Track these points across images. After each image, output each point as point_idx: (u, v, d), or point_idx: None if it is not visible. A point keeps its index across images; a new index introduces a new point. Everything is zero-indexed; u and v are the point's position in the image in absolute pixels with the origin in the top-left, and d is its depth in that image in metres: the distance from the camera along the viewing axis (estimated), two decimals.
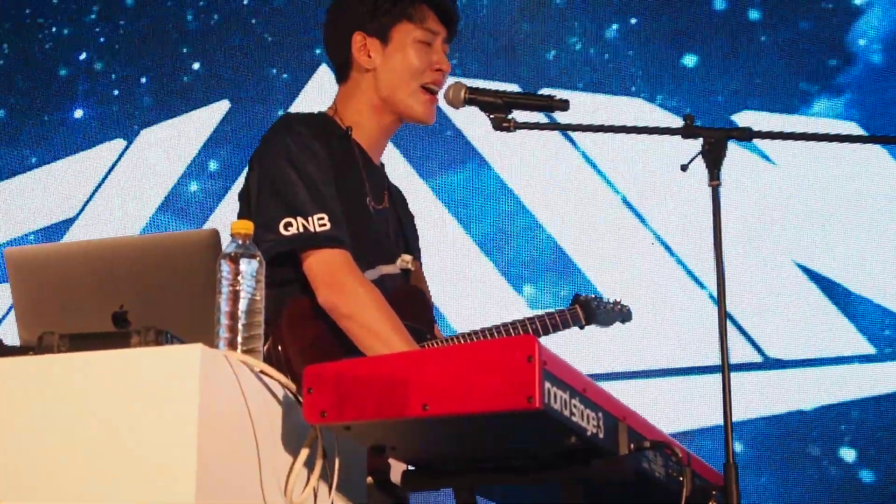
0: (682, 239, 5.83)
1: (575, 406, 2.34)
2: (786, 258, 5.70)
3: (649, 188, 5.89)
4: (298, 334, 3.36)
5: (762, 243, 5.68)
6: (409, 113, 3.63)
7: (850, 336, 5.58)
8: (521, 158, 6.06)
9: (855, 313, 5.60)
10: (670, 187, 5.83)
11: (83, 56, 6.65)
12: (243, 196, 3.55)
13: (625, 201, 5.93)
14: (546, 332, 3.91)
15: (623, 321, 4.41)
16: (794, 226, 5.70)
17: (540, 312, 3.98)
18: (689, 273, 5.80)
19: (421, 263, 3.81)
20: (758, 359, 5.60)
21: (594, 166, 5.99)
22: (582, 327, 4.13)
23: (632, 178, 5.94)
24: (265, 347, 3.23)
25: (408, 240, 3.75)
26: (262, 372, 2.48)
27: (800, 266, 5.69)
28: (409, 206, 3.93)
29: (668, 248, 5.84)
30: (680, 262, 5.82)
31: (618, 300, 4.36)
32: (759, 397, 5.54)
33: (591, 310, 4.15)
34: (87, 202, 6.50)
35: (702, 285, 5.77)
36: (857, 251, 5.64)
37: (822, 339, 5.59)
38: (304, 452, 2.50)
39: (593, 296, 4.22)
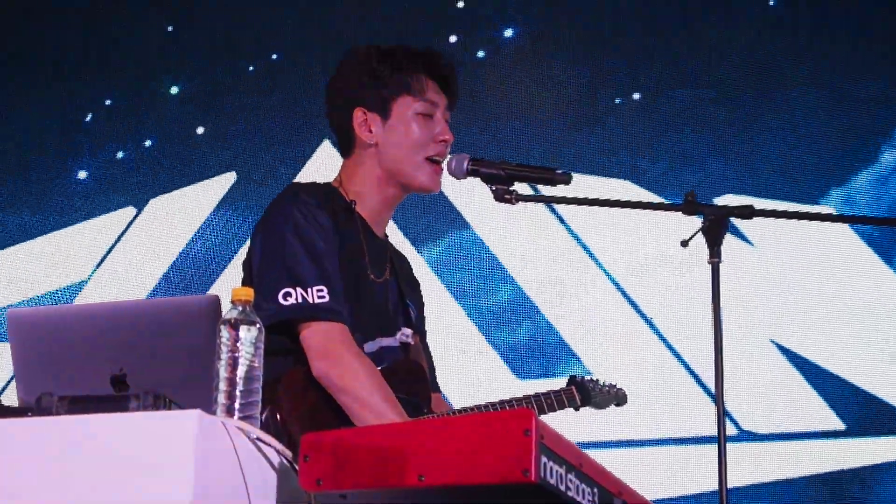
0: (667, 315, 5.90)
1: (571, 480, 2.31)
2: (761, 335, 5.78)
3: (636, 266, 5.94)
4: (297, 403, 3.29)
5: (739, 321, 5.73)
6: (415, 184, 3.57)
7: (821, 412, 5.65)
8: (509, 232, 6.11)
9: (826, 390, 5.66)
10: (654, 263, 5.88)
11: (88, 118, 6.69)
12: (246, 264, 3.51)
13: (609, 277, 5.97)
14: (542, 412, 3.89)
15: (618, 404, 4.39)
16: (771, 305, 5.78)
17: (536, 392, 3.97)
18: (669, 347, 5.85)
19: (425, 335, 3.79)
20: (732, 431, 5.65)
21: (583, 245, 6.04)
22: (577, 409, 4.11)
23: (618, 255, 5.99)
24: (263, 415, 3.23)
25: (409, 313, 3.68)
26: (258, 439, 2.43)
27: (774, 343, 5.77)
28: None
29: (650, 323, 5.89)
30: (663, 338, 5.86)
31: (613, 383, 4.35)
32: (733, 468, 5.57)
33: (587, 392, 4.13)
34: (97, 268, 6.52)
35: (679, 358, 5.82)
36: (829, 330, 5.72)
37: (795, 414, 5.66)
38: None
39: (589, 378, 4.22)
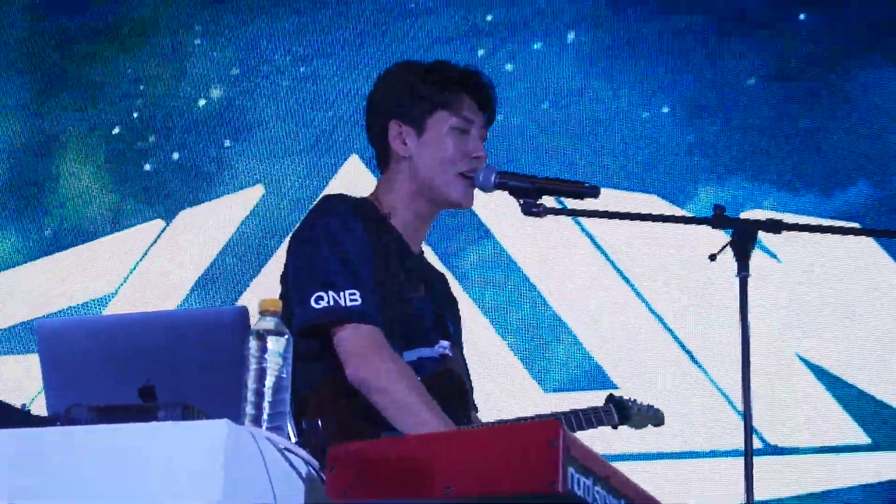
0: (691, 330, 5.91)
1: (598, 492, 2.31)
2: (787, 350, 5.78)
3: (661, 279, 5.95)
4: (337, 408, 3.29)
5: (765, 336, 5.73)
6: (447, 199, 3.57)
7: (847, 426, 5.66)
8: (536, 246, 6.12)
9: (852, 404, 5.66)
10: (682, 278, 5.89)
11: (116, 130, 6.74)
12: (283, 277, 3.50)
13: (636, 291, 5.98)
14: (580, 428, 3.89)
15: (655, 425, 4.41)
16: (797, 320, 5.79)
17: (574, 408, 3.97)
18: (695, 360, 5.85)
19: (462, 350, 3.80)
20: (758, 445, 5.65)
21: (607, 257, 6.05)
22: (615, 427, 4.12)
23: (646, 269, 6.00)
24: (304, 421, 3.24)
25: (447, 325, 3.66)
26: (286, 449, 2.44)
27: (801, 359, 5.77)
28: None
29: (676, 337, 5.91)
30: (690, 354, 5.88)
31: (651, 404, 4.36)
32: (759, 483, 5.59)
33: (625, 411, 4.15)
34: (125, 281, 6.55)
35: (705, 371, 5.83)
36: (855, 345, 5.72)
37: (821, 429, 5.66)
38: None
39: (628, 397, 4.23)
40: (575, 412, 3.88)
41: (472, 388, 3.72)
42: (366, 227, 3.45)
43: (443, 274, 3.84)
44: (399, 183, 3.58)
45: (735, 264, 3.19)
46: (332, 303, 3.30)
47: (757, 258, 5.77)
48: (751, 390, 2.95)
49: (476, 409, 3.71)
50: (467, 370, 3.71)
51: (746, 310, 3.01)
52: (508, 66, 6.26)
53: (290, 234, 3.53)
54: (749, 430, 2.90)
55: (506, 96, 6.05)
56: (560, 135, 6.15)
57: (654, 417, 4.36)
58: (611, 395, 4.18)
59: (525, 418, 3.70)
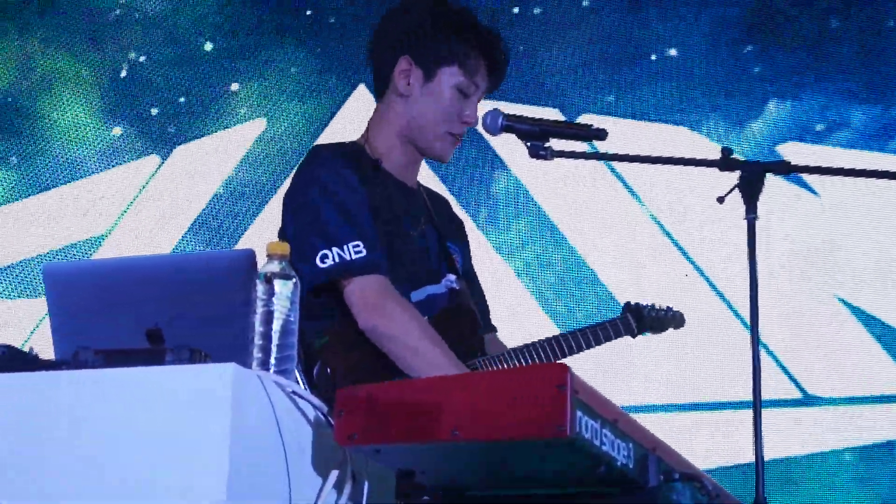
0: (721, 270, 5.82)
1: (605, 436, 2.34)
2: (827, 293, 5.68)
3: (688, 218, 5.88)
4: (346, 360, 3.39)
5: (803, 277, 5.65)
6: (428, 152, 3.67)
7: (892, 374, 5.54)
8: (557, 182, 6.07)
9: None
10: (710, 217, 5.81)
11: (123, 74, 6.70)
12: (281, 234, 3.57)
13: (663, 230, 5.92)
14: (598, 343, 3.85)
15: (676, 327, 4.31)
16: (837, 260, 5.71)
17: (592, 324, 3.91)
18: (729, 305, 5.78)
19: (474, 274, 3.84)
20: (797, 395, 5.57)
21: (633, 194, 5.98)
22: (634, 335, 4.05)
23: (671, 207, 5.93)
24: (315, 370, 3.27)
25: (453, 258, 3.74)
26: (294, 393, 2.51)
27: (842, 301, 5.67)
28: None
29: (707, 278, 5.83)
30: (720, 294, 5.80)
31: (670, 306, 4.28)
32: (797, 434, 5.50)
33: (643, 317, 4.10)
34: (120, 218, 6.53)
35: (740, 318, 5.74)
36: None
37: (863, 377, 5.57)
38: (334, 474, 2.51)
39: (646, 303, 4.15)
40: (591, 327, 3.86)
41: (487, 310, 3.81)
42: (358, 174, 3.47)
43: (443, 197, 3.86)
44: (391, 121, 3.65)
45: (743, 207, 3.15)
46: (337, 259, 3.38)
47: (795, 194, 5.68)
48: (759, 337, 2.94)
49: (495, 329, 3.79)
50: (482, 295, 3.74)
51: (755, 253, 3.03)
52: (514, 10, 6.21)
53: (285, 193, 3.54)
54: (758, 380, 2.90)
55: (535, 31, 5.99)
56: (598, 70, 6.07)
57: (673, 320, 4.28)
58: (627, 303, 4.12)
59: (544, 340, 3.69)
